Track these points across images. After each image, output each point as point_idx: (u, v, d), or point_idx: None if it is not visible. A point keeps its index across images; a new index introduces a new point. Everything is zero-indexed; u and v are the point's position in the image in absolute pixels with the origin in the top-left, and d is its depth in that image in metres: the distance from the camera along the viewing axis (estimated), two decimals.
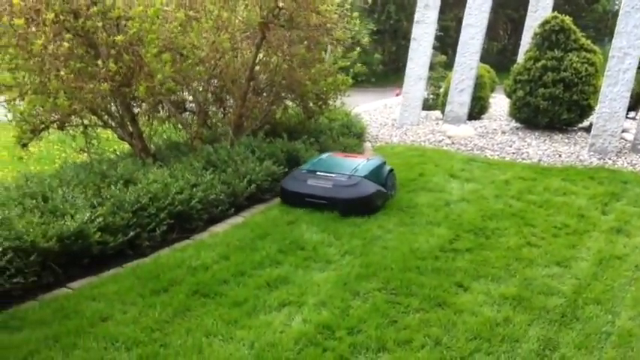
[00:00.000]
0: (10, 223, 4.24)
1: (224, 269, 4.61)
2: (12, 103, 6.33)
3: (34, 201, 4.81)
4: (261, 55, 7.54)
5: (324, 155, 7.01)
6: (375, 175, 6.34)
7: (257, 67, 7.56)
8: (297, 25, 7.19)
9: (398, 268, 4.70)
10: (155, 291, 4.23)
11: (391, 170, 6.67)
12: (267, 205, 6.35)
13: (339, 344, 3.62)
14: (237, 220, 5.87)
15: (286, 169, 6.78)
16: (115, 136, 7.24)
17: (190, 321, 3.86)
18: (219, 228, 5.63)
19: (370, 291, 4.33)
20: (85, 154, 7.09)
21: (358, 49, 8.60)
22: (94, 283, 4.37)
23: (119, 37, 5.67)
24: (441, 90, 13.02)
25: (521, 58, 11.34)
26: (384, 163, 6.77)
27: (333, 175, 6.22)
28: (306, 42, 7.73)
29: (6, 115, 6.47)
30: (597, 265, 4.92)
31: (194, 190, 5.56)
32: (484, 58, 13.22)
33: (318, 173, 6.30)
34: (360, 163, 6.50)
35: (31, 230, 4.21)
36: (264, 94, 8.10)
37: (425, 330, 3.81)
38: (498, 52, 28.25)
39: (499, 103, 13.42)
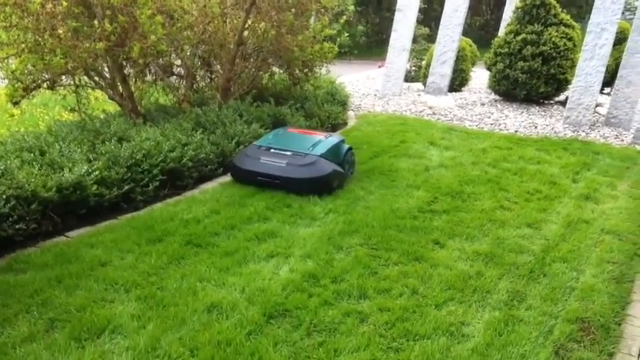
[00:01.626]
0: (11, 173, 4.44)
1: (215, 223, 4.86)
2: (4, 61, 6.44)
3: (32, 154, 5.01)
4: (250, 21, 7.69)
5: (281, 130, 6.71)
6: (332, 153, 6.02)
7: (245, 33, 7.72)
8: None
9: (379, 226, 4.98)
10: (150, 240, 4.48)
11: (349, 149, 6.34)
12: None
13: (324, 291, 3.90)
14: (226, 179, 6.10)
15: None
16: (105, 97, 7.38)
17: (184, 268, 4.11)
18: (209, 186, 5.88)
19: (353, 245, 4.61)
20: (75, 115, 7.23)
21: (344, 17, 8.75)
22: (91, 233, 4.60)
23: None
24: (423, 62, 13.26)
25: (502, 32, 11.59)
26: (343, 141, 6.43)
27: (288, 152, 5.87)
28: (294, 9, 7.89)
29: (3, 74, 6.57)
30: (565, 228, 5.24)
31: (185, 148, 5.78)
32: (467, 33, 13.48)
33: (272, 150, 5.93)
34: (318, 141, 6.16)
35: (32, 180, 4.42)
36: (252, 59, 8.27)
37: (403, 281, 4.10)
38: (480, 28, 28.45)
39: (479, 76, 13.72)
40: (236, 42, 7.39)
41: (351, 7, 20.64)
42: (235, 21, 7.68)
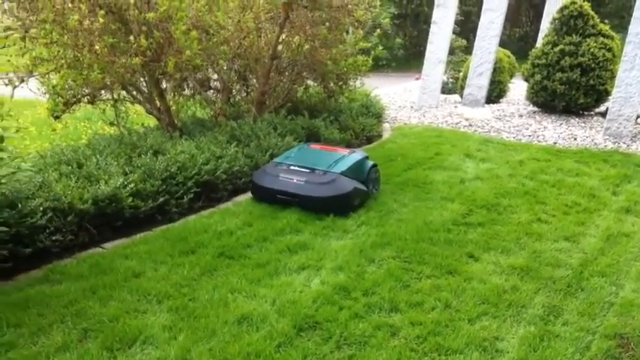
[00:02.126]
0: (49, 186, 4.55)
1: (247, 235, 4.89)
2: (46, 76, 6.62)
3: (70, 167, 5.13)
4: (284, 35, 7.75)
5: (303, 146, 6.51)
6: (354, 171, 5.82)
7: (280, 47, 7.78)
8: (320, 6, 7.40)
9: (412, 239, 4.93)
10: (183, 252, 4.53)
11: (374, 166, 6.13)
12: None
13: (355, 304, 3.88)
14: None
15: None
16: (143, 110, 7.52)
17: (216, 279, 4.14)
18: (242, 198, 5.92)
19: (385, 258, 4.58)
20: (114, 128, 7.38)
21: (378, 30, 8.75)
22: (126, 244, 4.68)
23: (150, 15, 5.91)
24: (461, 74, 13.16)
25: (539, 43, 11.44)
26: (366, 157, 6.19)
27: (307, 170, 5.71)
28: (327, 23, 7.93)
29: (37, 89, 6.75)
30: (605, 241, 5.11)
31: (219, 161, 5.84)
32: (506, 44, 13.35)
33: (292, 167, 5.77)
34: (340, 158, 5.95)
35: (69, 193, 4.52)
36: (287, 73, 8.33)
37: (436, 294, 4.05)
38: (519, 39, 28.11)
39: (518, 88, 13.54)
40: (270, 56, 7.46)
41: (386, 20, 20.71)
42: (270, 35, 7.75)
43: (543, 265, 4.58)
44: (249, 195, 5.98)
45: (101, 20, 5.54)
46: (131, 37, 6.00)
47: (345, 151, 6.25)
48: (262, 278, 4.17)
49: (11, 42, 6.18)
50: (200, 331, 3.46)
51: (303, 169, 5.71)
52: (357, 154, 6.17)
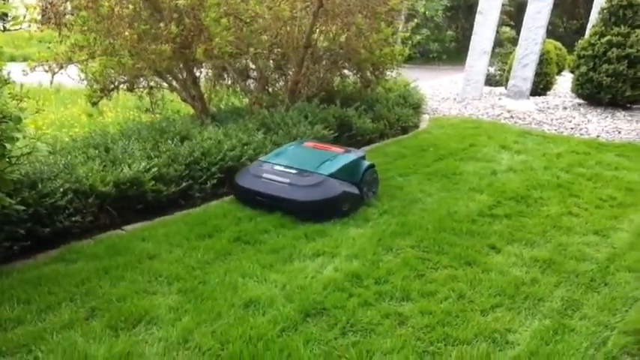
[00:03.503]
0: (72, 167, 4.64)
1: (266, 221, 4.89)
2: (85, 63, 6.78)
3: (97, 151, 5.23)
4: (318, 24, 7.70)
5: (294, 143, 6.01)
6: (346, 172, 5.35)
7: (315, 36, 7.74)
8: None
9: (433, 229, 4.84)
10: (200, 235, 4.55)
11: (371, 167, 5.61)
12: None
13: (365, 291, 3.82)
14: None
15: (336, 134, 6.97)
16: (179, 98, 7.62)
17: (229, 263, 4.15)
18: None
19: (403, 247, 4.51)
20: (151, 115, 7.51)
21: (416, 20, 8.62)
22: (145, 227, 4.74)
23: (181, 1, 5.97)
24: (507, 66, 12.88)
25: (587, 34, 11.10)
26: (363, 157, 5.70)
27: (293, 170, 5.22)
28: (364, 12, 7.85)
29: (77, 76, 6.91)
30: (637, 236, 4.92)
31: (245, 147, 5.86)
32: (561, 37, 12.96)
33: (277, 167, 5.30)
34: (331, 157, 5.49)
35: (90, 175, 4.60)
36: (322, 62, 8.29)
37: (450, 284, 3.96)
38: (575, 31, 27.30)
39: (567, 80, 13.13)
40: (304, 44, 7.43)
41: (440, 12, 20.39)
42: (305, 24, 7.72)
43: (567, 259, 4.44)
44: None
45: (131, 7, 5.62)
46: (162, 24, 6.07)
47: (339, 150, 5.75)
48: (275, 263, 4.16)
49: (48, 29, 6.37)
50: (205, 313, 3.48)
51: (289, 170, 5.25)
52: (351, 154, 5.66)
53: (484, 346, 3.29)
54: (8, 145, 3.67)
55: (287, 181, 5.09)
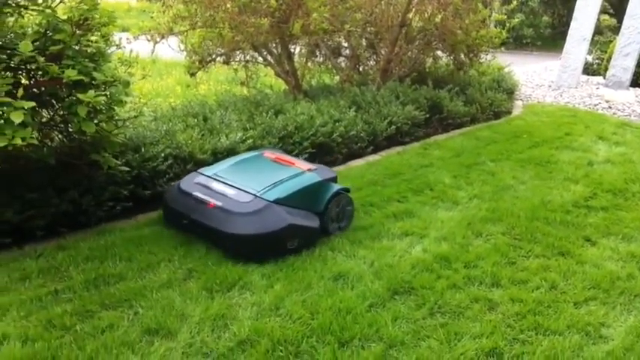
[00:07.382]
0: (172, 134, 4.81)
1: (355, 198, 4.89)
2: (185, 34, 6.97)
3: (195, 120, 5.39)
4: (415, 2, 7.60)
5: (253, 153, 4.66)
6: (302, 198, 4.10)
7: (410, 15, 7.65)
8: None
9: (525, 217, 4.74)
10: None
11: (340, 192, 4.32)
12: (404, 147, 6.54)
13: (454, 274, 3.80)
14: (375, 157, 6.14)
15: (427, 116, 6.90)
16: (273, 73, 7.73)
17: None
18: (356, 163, 5.95)
19: (493, 233, 4.44)
20: (245, 88, 7.67)
21: (514, 1, 8.35)
22: None
23: None
24: (606, 55, 12.32)
25: None
26: (332, 179, 4.43)
27: (231, 190, 4.00)
28: None
29: (183, 47, 7.11)
30: None
31: (336, 124, 5.89)
32: None
33: (214, 183, 4.10)
34: (288, 177, 4.18)
35: (190, 142, 4.75)
36: (416, 42, 8.19)
37: (542, 274, 3.88)
38: None
39: None
40: (399, 23, 7.36)
41: None
42: (400, 3, 7.63)
43: None
44: (363, 160, 6.01)
45: None
46: None
47: (304, 167, 4.41)
48: (364, 240, 4.19)
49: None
50: (296, 282, 3.56)
51: (228, 188, 4.04)
52: (315, 174, 4.31)
53: (577, 339, 3.21)
54: (117, 108, 3.86)
55: (219, 203, 3.90)
